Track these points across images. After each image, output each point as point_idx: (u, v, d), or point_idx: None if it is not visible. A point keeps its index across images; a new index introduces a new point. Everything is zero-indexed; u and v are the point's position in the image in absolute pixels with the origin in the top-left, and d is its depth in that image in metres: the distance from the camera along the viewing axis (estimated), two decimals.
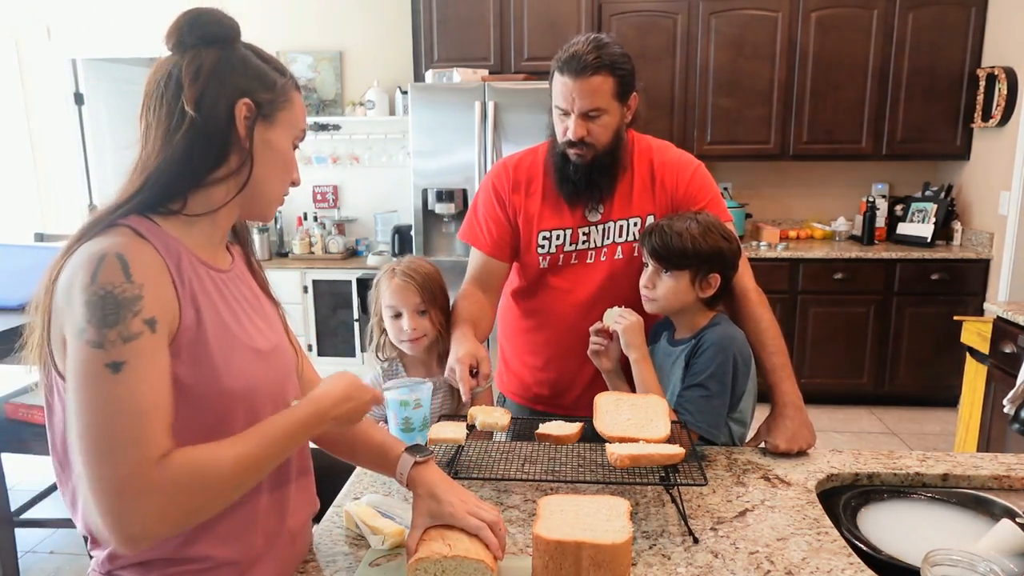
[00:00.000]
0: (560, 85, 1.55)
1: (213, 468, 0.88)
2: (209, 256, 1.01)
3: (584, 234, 1.68)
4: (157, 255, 0.92)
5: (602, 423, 1.34)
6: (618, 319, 1.53)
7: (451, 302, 1.71)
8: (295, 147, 1.08)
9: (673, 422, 1.37)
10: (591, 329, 1.59)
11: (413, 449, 1.15)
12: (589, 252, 1.69)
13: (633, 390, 1.55)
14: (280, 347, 1.08)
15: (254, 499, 1.02)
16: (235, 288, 1.05)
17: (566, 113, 1.57)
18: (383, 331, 1.70)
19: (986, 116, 4.08)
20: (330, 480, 1.57)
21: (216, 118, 0.96)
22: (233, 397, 0.96)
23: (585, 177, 1.62)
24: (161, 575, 0.96)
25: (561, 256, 1.69)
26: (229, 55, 0.99)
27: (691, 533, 1.17)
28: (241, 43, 1.02)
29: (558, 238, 1.69)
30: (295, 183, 1.10)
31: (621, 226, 1.68)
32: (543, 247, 1.69)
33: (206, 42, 0.97)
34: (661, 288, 1.51)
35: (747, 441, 1.56)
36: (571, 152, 1.60)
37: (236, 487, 0.92)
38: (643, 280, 1.54)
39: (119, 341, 0.84)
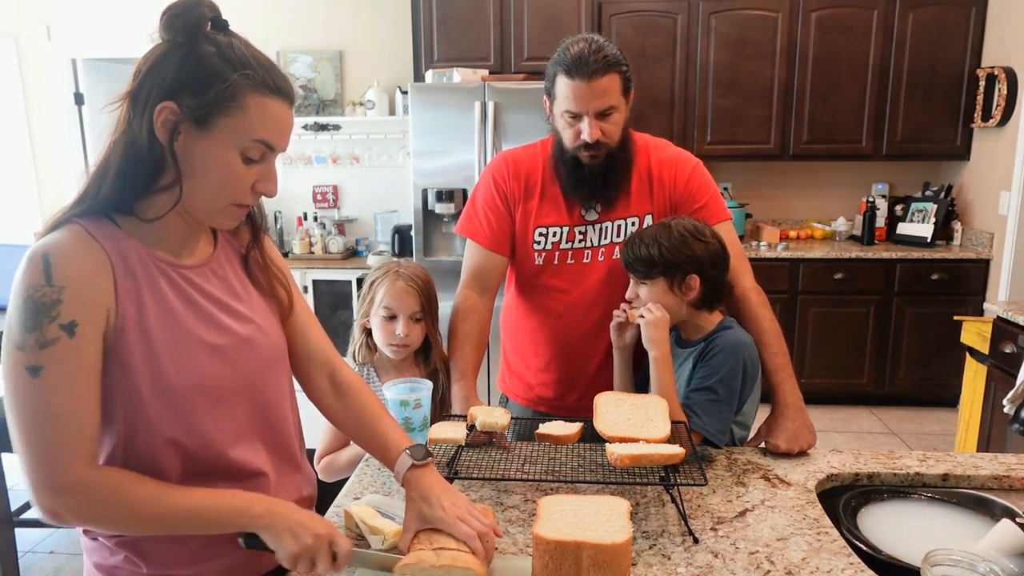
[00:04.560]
0: (570, 89, 1.52)
1: (127, 497, 0.92)
2: (171, 251, 1.01)
3: (581, 233, 1.68)
4: (99, 253, 0.92)
5: (602, 423, 1.34)
6: (644, 312, 1.48)
7: (447, 305, 1.70)
8: (251, 159, 0.95)
9: (675, 422, 1.37)
10: (623, 304, 1.55)
11: (415, 450, 1.12)
12: (586, 252, 1.69)
13: (634, 380, 1.55)
14: (254, 340, 1.06)
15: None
16: (204, 282, 1.03)
17: (576, 116, 1.55)
18: (366, 332, 1.69)
19: (986, 116, 4.08)
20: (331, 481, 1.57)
21: (140, 120, 0.91)
22: (182, 391, 0.96)
23: (601, 177, 1.61)
24: (123, 541, 1.01)
25: (557, 254, 1.69)
26: (180, 50, 0.91)
27: (691, 533, 1.17)
28: (212, 37, 0.93)
29: (555, 235, 1.69)
30: (242, 202, 0.98)
31: (619, 226, 1.67)
32: (539, 243, 1.69)
33: (171, 34, 0.92)
34: (643, 298, 1.50)
35: (747, 441, 1.56)
36: (585, 155, 1.58)
37: (142, 525, 0.95)
38: (627, 293, 1.54)
39: (36, 346, 0.87)
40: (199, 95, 0.91)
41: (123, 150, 0.93)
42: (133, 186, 0.94)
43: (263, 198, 1.03)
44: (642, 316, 1.48)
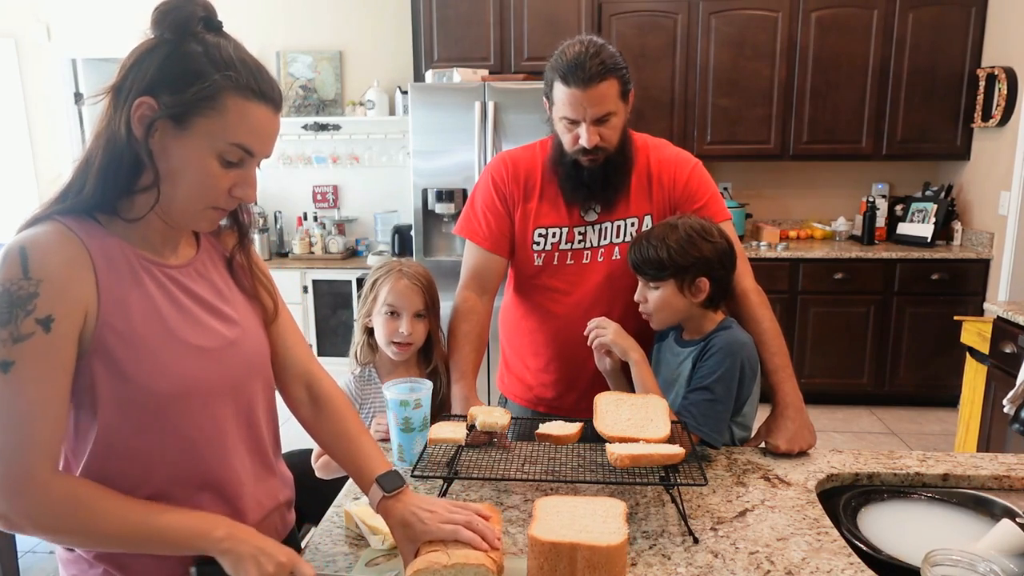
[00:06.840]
0: (567, 96, 1.52)
1: (88, 509, 0.90)
2: (155, 251, 0.99)
3: (580, 234, 1.68)
4: (79, 249, 0.91)
5: (602, 423, 1.34)
6: (599, 333, 1.51)
7: (447, 305, 1.70)
8: (229, 162, 0.93)
9: (674, 422, 1.37)
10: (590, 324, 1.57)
11: (386, 479, 1.07)
12: (585, 252, 1.69)
13: (632, 390, 1.55)
14: (238, 343, 1.05)
15: (194, 497, 1.00)
16: (189, 283, 1.02)
17: (575, 122, 1.54)
18: (367, 332, 1.69)
19: (986, 116, 4.08)
20: (330, 480, 1.57)
21: (119, 114, 0.90)
22: (165, 393, 0.95)
23: (601, 180, 1.61)
24: (101, 555, 0.99)
25: (556, 254, 1.69)
26: (166, 47, 0.90)
27: (691, 533, 1.17)
28: (201, 36, 0.91)
29: (554, 236, 1.69)
30: (218, 206, 0.96)
31: (619, 227, 1.67)
32: (538, 244, 1.69)
33: (159, 30, 0.91)
34: (652, 301, 1.51)
35: (747, 442, 1.56)
36: (584, 159, 1.58)
37: (98, 540, 0.93)
38: (636, 296, 1.54)
39: (9, 340, 0.85)
40: (178, 93, 0.89)
41: (104, 145, 0.92)
42: (115, 184, 0.93)
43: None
44: (602, 338, 1.51)
